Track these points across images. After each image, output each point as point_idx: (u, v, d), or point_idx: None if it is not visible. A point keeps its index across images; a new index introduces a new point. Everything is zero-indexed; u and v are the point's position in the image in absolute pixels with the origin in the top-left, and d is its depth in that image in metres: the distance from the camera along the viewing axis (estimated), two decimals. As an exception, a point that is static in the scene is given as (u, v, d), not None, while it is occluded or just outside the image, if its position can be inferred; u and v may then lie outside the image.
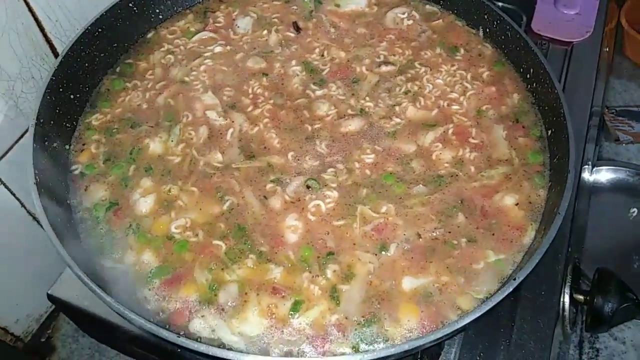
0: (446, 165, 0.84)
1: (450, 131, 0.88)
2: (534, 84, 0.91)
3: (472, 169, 0.83)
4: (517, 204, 0.80)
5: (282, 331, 0.71)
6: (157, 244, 0.78)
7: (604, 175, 1.28)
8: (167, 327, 0.71)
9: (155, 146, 0.87)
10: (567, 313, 0.90)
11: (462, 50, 0.98)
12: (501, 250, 0.76)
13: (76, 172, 0.85)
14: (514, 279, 0.66)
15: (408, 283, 0.73)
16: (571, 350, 1.17)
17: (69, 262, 0.68)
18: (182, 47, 1.00)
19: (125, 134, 0.89)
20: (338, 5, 1.06)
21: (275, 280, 0.74)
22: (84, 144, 0.88)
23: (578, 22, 1.20)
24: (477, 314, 0.64)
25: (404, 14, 1.04)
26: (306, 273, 0.75)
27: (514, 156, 0.85)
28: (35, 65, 0.96)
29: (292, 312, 0.72)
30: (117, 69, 0.97)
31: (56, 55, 0.99)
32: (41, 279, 1.11)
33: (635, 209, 1.26)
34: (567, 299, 0.90)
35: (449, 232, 0.77)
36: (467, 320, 0.64)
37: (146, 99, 0.93)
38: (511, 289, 0.65)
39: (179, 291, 0.74)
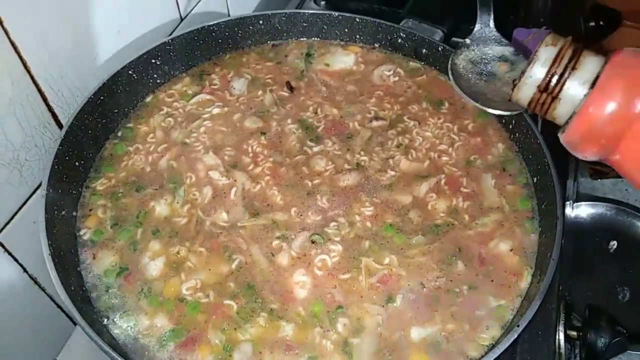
0: (442, 214, 0.89)
1: (442, 181, 0.93)
2: (516, 134, 0.97)
3: (467, 217, 0.88)
4: (511, 250, 0.84)
5: None
6: (169, 307, 0.80)
7: (583, 210, 1.35)
8: (185, 390, 0.72)
9: (161, 209, 0.90)
10: (562, 350, 0.94)
11: (446, 104, 1.05)
12: (501, 295, 0.80)
13: (85, 237, 0.87)
14: (518, 326, 0.70)
15: (416, 333, 0.76)
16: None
17: (89, 332, 0.70)
18: (180, 110, 1.04)
19: (131, 198, 0.91)
20: (328, 65, 1.12)
21: (288, 337, 0.77)
22: (90, 210, 0.90)
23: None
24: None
25: (389, 71, 1.10)
26: (317, 328, 0.77)
27: (504, 203, 0.90)
28: (38, 133, 0.98)
29: None
30: (119, 134, 1.00)
31: (58, 123, 1.02)
32: (42, 344, 1.11)
33: (614, 242, 1.33)
34: (562, 336, 0.94)
35: (451, 281, 0.81)
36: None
37: (149, 162, 0.96)
38: (516, 335, 0.69)
39: (194, 353, 0.76)
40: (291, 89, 1.08)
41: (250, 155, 0.97)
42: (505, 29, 0.83)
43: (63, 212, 0.87)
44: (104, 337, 0.73)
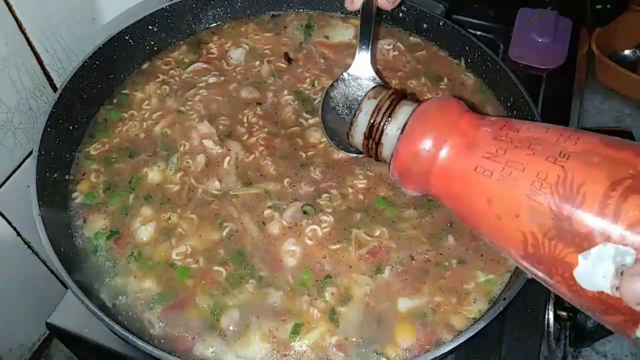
0: None
1: None
2: (515, 112, 0.96)
3: (460, 193, 0.88)
4: None
5: (285, 354, 0.73)
6: (159, 271, 0.80)
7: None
8: (172, 352, 0.72)
9: (153, 175, 0.89)
10: (552, 329, 0.94)
11: (445, 80, 1.04)
12: (490, 270, 0.80)
13: (76, 201, 0.87)
14: (504, 299, 0.70)
15: (403, 304, 0.77)
16: (555, 364, 1.21)
17: (76, 292, 0.70)
18: (177, 78, 1.03)
19: (124, 164, 0.91)
20: (327, 37, 1.10)
21: (275, 304, 0.77)
22: (83, 174, 0.90)
23: (552, 49, 1.27)
24: (472, 333, 0.68)
25: (389, 45, 1.09)
26: (305, 296, 0.77)
27: None
28: (32, 97, 0.98)
29: (292, 335, 0.74)
30: (114, 100, 1.00)
31: (53, 86, 1.02)
32: (34, 307, 1.13)
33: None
34: (551, 315, 0.94)
35: (440, 254, 0.81)
36: (462, 338, 0.67)
37: (143, 129, 0.95)
38: (502, 308, 0.69)
39: (181, 317, 0.76)
40: (289, 60, 1.07)
41: (245, 125, 0.96)
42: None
43: (55, 175, 0.86)
44: (93, 299, 0.74)
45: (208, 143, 0.93)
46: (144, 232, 0.83)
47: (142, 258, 0.81)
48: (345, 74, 0.92)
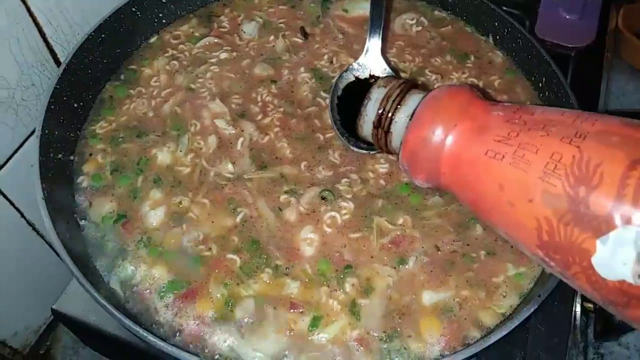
0: None
1: None
2: (547, 93, 0.90)
3: (488, 179, 0.83)
4: None
5: (302, 348, 0.69)
6: (169, 258, 0.76)
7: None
8: (182, 344, 0.69)
9: (163, 156, 0.85)
10: (578, 322, 0.90)
11: (472, 57, 0.98)
12: (521, 263, 0.75)
13: (82, 183, 0.82)
14: (539, 295, 0.66)
15: (428, 297, 0.72)
16: (576, 356, 1.17)
17: (83, 282, 0.66)
18: (186, 53, 0.98)
19: (132, 144, 0.86)
20: (346, 11, 1.04)
21: (293, 295, 0.73)
22: (90, 154, 0.85)
23: (581, 27, 1.20)
24: (504, 332, 0.64)
25: (412, 19, 1.02)
26: (324, 287, 0.73)
27: None
28: (35, 72, 0.93)
29: (311, 328, 0.70)
30: (121, 76, 0.94)
31: (57, 61, 0.96)
32: (40, 290, 1.09)
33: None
34: (578, 308, 0.90)
35: (468, 245, 0.77)
36: (494, 338, 0.63)
37: (152, 107, 0.90)
38: (536, 306, 0.65)
39: (194, 307, 0.72)
40: (305, 35, 1.00)
41: (259, 104, 0.91)
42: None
43: (59, 156, 0.82)
44: (100, 287, 0.70)
45: (220, 123, 0.88)
46: (154, 216, 0.79)
47: (151, 244, 0.77)
48: (355, 64, 0.87)
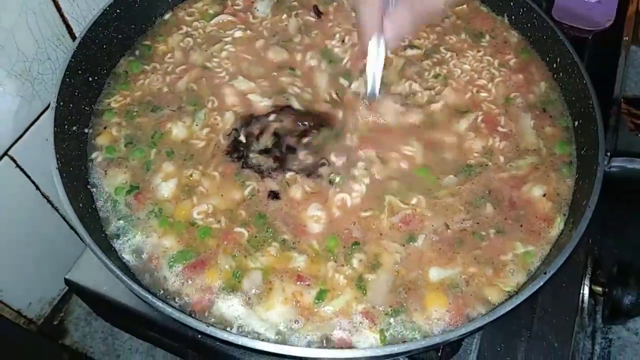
0: (476, 154, 0.83)
1: (479, 119, 0.86)
2: (561, 74, 0.89)
3: (502, 158, 0.83)
4: (544, 195, 0.79)
5: (308, 319, 0.70)
6: (180, 229, 0.77)
7: (619, 165, 1.27)
8: (190, 312, 0.70)
9: (178, 131, 0.85)
10: (585, 305, 0.90)
11: (487, 37, 0.97)
12: (529, 242, 0.75)
13: (96, 156, 0.83)
14: (545, 273, 0.66)
15: (435, 273, 0.73)
16: (584, 340, 1.17)
17: (94, 249, 0.67)
18: (200, 31, 0.98)
19: (146, 118, 0.87)
20: None
21: (300, 269, 0.73)
22: (104, 127, 0.86)
23: (599, 10, 1.18)
24: (509, 307, 0.64)
25: None
26: (331, 262, 0.74)
27: (542, 146, 0.84)
28: (51, 46, 0.94)
29: (317, 301, 0.71)
30: (136, 52, 0.95)
31: (73, 36, 0.98)
32: (54, 262, 1.11)
33: (649, 201, 1.25)
34: (586, 290, 0.90)
35: (477, 223, 0.77)
36: (500, 312, 0.63)
37: (166, 83, 0.91)
38: (542, 283, 0.65)
39: (202, 277, 0.73)
40: (318, 13, 1.00)
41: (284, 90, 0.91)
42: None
43: (74, 128, 0.83)
44: (112, 257, 0.71)
45: (254, 97, 0.89)
46: (165, 188, 0.80)
47: (162, 215, 0.78)
48: None
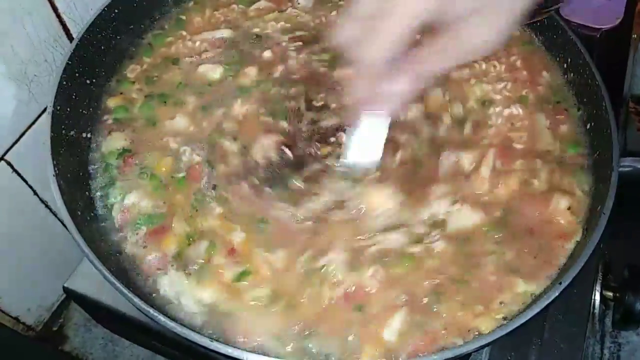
0: None
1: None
2: (572, 74, 0.87)
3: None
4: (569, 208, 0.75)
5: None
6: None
7: (628, 165, 1.25)
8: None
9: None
10: (596, 311, 0.88)
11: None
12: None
13: (96, 164, 0.81)
14: (560, 283, 0.64)
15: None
16: (593, 344, 1.16)
17: (93, 260, 0.65)
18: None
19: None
20: None
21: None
22: (109, 132, 0.83)
23: (608, 7, 1.16)
24: (522, 320, 0.62)
25: None
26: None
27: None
28: (48, 48, 0.92)
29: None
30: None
31: (70, 37, 0.95)
32: (53, 267, 1.10)
33: (659, 203, 1.23)
34: (597, 296, 0.88)
35: None
36: (513, 325, 0.61)
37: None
38: (557, 294, 0.63)
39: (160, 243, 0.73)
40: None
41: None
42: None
43: (72, 133, 0.80)
44: (111, 267, 0.69)
45: None
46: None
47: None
48: None
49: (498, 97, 0.86)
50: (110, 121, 0.83)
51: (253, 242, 0.72)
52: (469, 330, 0.66)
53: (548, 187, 0.77)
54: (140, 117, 0.84)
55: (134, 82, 0.87)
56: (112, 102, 0.85)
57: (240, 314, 0.67)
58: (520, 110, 0.84)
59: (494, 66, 0.90)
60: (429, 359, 0.60)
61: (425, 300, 0.67)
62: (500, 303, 0.68)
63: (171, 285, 0.70)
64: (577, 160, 0.80)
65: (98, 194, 0.78)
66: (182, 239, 0.72)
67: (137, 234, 0.74)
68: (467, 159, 0.78)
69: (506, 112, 0.84)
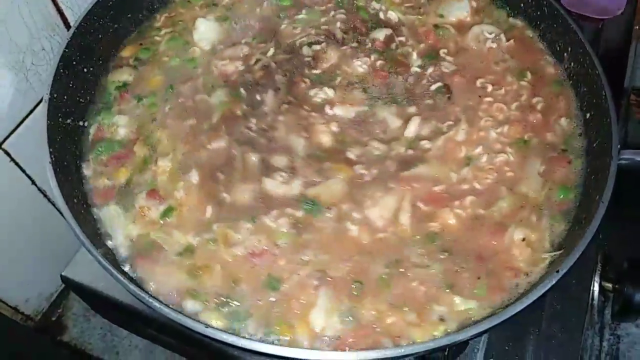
0: None
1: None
2: (571, 64, 0.86)
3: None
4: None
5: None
6: None
7: (628, 157, 1.24)
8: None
9: None
10: (595, 302, 0.88)
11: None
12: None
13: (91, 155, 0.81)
14: (557, 272, 0.63)
15: None
16: (592, 336, 1.15)
17: (88, 246, 0.65)
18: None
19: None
20: (441, 16, 0.96)
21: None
22: (111, 127, 0.84)
23: (609, -1, 1.15)
24: (519, 307, 0.61)
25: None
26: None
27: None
28: (45, 36, 0.92)
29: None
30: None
31: (67, 25, 0.95)
32: (52, 257, 1.09)
33: (659, 195, 1.23)
34: (596, 287, 0.88)
35: None
36: (507, 315, 0.61)
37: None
38: (554, 282, 0.63)
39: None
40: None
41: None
42: None
43: (68, 121, 0.80)
44: (105, 252, 0.69)
45: None
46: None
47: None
48: None
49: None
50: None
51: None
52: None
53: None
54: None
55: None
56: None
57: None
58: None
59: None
60: (426, 345, 0.60)
61: None
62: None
63: None
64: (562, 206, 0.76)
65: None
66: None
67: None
68: None
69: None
